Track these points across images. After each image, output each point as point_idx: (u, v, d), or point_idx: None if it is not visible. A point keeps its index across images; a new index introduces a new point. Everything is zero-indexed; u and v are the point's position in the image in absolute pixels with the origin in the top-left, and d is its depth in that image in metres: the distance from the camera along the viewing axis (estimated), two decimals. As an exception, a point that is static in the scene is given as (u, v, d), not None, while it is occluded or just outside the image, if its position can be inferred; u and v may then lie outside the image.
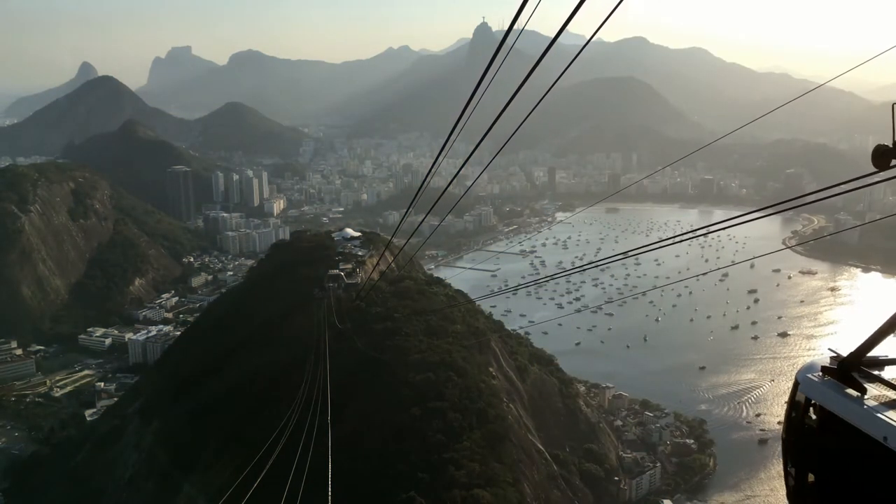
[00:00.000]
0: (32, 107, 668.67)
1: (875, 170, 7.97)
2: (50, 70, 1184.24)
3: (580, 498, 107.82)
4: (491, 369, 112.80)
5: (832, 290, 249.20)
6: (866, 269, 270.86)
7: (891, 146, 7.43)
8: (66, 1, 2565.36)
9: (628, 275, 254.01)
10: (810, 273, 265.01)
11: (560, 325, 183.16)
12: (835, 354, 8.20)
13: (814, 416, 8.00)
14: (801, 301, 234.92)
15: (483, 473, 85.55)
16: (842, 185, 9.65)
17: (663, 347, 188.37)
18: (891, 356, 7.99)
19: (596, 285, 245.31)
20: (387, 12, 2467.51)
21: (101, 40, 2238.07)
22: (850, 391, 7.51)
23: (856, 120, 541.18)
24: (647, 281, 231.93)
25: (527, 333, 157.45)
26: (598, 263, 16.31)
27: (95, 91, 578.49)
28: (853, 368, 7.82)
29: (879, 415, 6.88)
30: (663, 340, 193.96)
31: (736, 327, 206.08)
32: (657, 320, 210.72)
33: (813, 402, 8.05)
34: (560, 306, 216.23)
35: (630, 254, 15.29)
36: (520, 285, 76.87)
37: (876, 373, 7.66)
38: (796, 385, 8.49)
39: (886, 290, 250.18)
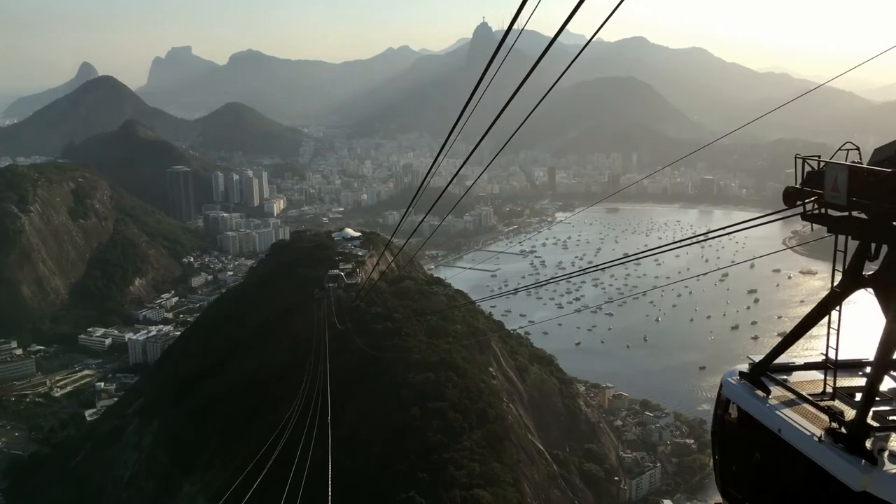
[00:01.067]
0: (32, 107, 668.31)
1: None
2: (50, 70, 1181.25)
3: (580, 498, 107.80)
4: (491, 369, 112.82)
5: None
6: (867, 269, 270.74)
7: (798, 187, 8.64)
8: (66, 1, 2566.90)
9: (628, 275, 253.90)
10: (810, 273, 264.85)
11: (560, 325, 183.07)
12: (751, 361, 9.45)
13: (733, 414, 9.33)
14: (802, 301, 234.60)
15: (483, 473, 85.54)
16: None
17: (663, 347, 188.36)
18: (796, 362, 9.37)
19: (596, 285, 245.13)
20: (387, 12, 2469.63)
21: (101, 40, 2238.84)
22: (758, 392, 8.83)
23: (856, 120, 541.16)
24: (647, 281, 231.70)
25: (527, 333, 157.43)
26: (617, 263, 16.82)
27: (95, 91, 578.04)
28: (762, 373, 9.11)
29: (777, 412, 8.27)
30: (663, 340, 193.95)
31: (736, 327, 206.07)
32: (657, 320, 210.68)
33: (731, 401, 9.38)
34: (560, 306, 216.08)
35: (647, 254, 15.78)
36: (531, 285, 76.76)
37: (780, 377, 9.02)
38: (721, 387, 9.75)
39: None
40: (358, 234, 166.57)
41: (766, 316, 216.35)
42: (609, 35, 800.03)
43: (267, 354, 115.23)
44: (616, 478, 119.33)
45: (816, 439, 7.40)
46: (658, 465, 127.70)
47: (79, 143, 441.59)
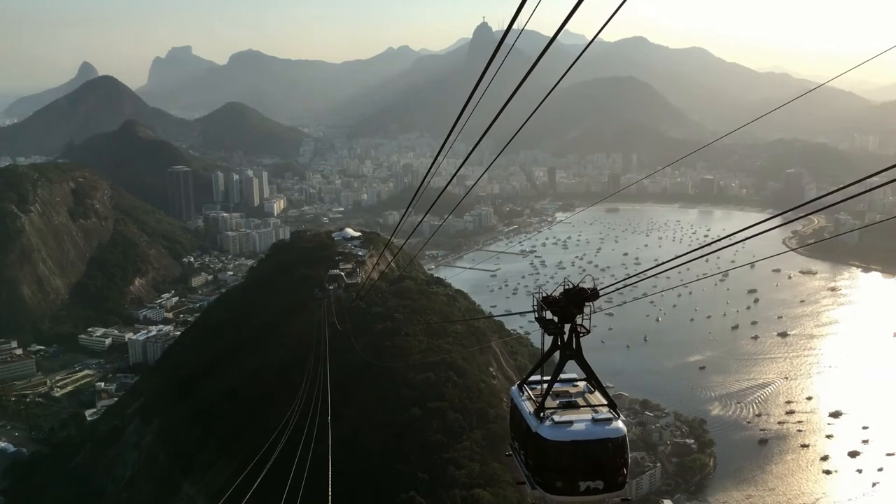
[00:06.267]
0: (32, 107, 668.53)
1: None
2: (50, 70, 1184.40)
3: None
4: (491, 369, 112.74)
5: (832, 290, 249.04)
6: (866, 269, 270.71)
7: (540, 304, 15.07)
8: (66, 1, 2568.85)
9: (628, 275, 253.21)
10: (810, 273, 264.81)
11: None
12: (523, 377, 16.24)
13: (513, 405, 15.82)
14: (802, 301, 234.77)
15: (483, 473, 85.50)
16: (875, 178, 12.12)
17: (663, 347, 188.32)
18: (540, 380, 15.61)
19: (596, 285, 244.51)
20: (387, 12, 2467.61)
21: (101, 40, 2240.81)
22: (520, 394, 15.59)
23: (856, 120, 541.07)
24: (647, 281, 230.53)
25: (527, 333, 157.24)
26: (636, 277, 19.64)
27: (95, 91, 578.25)
28: (523, 384, 15.83)
29: (522, 402, 15.23)
30: (663, 340, 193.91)
31: (736, 327, 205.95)
32: (657, 320, 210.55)
33: (512, 399, 15.93)
34: (622, 282, 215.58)
35: (658, 269, 19.88)
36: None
37: (531, 387, 15.62)
38: (511, 391, 16.29)
39: (886, 290, 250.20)
40: (358, 234, 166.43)
41: (766, 316, 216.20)
42: (609, 35, 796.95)
43: (267, 354, 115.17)
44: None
45: (530, 413, 14.57)
46: (658, 465, 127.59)
47: (79, 143, 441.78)
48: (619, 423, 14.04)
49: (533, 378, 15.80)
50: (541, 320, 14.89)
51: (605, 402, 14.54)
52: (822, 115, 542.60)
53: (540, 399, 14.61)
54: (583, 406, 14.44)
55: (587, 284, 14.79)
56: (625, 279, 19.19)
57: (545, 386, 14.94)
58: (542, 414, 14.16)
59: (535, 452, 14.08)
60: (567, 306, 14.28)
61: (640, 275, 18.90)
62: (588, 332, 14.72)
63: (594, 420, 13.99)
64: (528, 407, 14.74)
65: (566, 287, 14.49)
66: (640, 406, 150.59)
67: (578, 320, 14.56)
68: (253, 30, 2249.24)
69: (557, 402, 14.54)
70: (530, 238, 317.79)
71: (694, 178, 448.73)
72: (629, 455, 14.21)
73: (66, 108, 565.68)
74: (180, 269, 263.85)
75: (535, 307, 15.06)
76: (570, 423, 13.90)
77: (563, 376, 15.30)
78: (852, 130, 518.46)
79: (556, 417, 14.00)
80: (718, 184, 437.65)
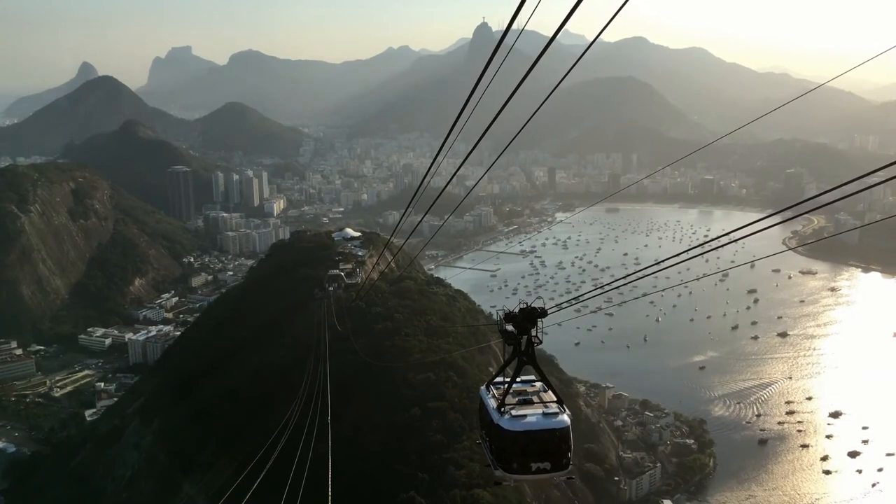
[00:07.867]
0: (32, 107, 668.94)
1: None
2: (50, 70, 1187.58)
3: (580, 498, 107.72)
4: (491, 369, 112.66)
5: (832, 290, 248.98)
6: (866, 269, 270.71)
7: (502, 318, 17.29)
8: (66, 1, 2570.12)
9: (628, 275, 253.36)
10: (810, 273, 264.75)
11: (560, 324, 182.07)
12: (490, 378, 18.60)
13: (481, 402, 17.94)
14: (801, 301, 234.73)
15: (483, 473, 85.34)
16: (875, 175, 12.40)
17: (663, 347, 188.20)
18: (503, 381, 17.78)
19: (595, 285, 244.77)
20: (387, 12, 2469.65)
21: (101, 40, 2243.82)
22: (487, 392, 17.76)
23: (856, 120, 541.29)
24: (647, 281, 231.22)
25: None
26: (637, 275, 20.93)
27: (95, 91, 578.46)
28: (490, 384, 18.01)
29: (487, 399, 17.45)
30: (663, 340, 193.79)
31: (736, 327, 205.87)
32: (657, 320, 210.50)
33: (480, 396, 18.06)
34: (559, 307, 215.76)
35: (683, 255, 21.42)
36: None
37: (496, 387, 17.74)
38: (480, 389, 18.53)
39: (886, 290, 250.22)
40: (358, 234, 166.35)
41: (766, 316, 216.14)
42: (609, 35, 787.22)
43: (267, 354, 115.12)
44: (616, 478, 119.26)
45: (493, 408, 16.84)
46: (658, 465, 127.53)
47: (79, 143, 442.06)
48: (565, 417, 16.77)
49: (498, 379, 18.30)
50: (503, 332, 17.44)
51: (554, 399, 17.34)
52: (822, 115, 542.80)
53: (501, 397, 17.23)
54: (536, 402, 17.16)
55: (539, 304, 17.30)
56: (571, 300, 23.07)
57: (506, 386, 17.61)
58: (502, 409, 16.76)
59: (496, 440, 16.67)
60: (523, 321, 16.77)
61: (597, 290, 23.29)
62: (540, 342, 17.30)
63: (544, 414, 16.71)
64: (492, 403, 17.31)
65: (522, 307, 17.10)
66: (640, 406, 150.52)
67: (533, 332, 16.97)
68: (253, 30, 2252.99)
69: (516, 399, 17.23)
70: (530, 238, 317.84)
71: (694, 178, 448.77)
72: (572, 442, 16.97)
73: (66, 108, 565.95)
74: (180, 269, 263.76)
75: (498, 322, 17.63)
76: (525, 416, 16.61)
77: (523, 378, 17.70)
78: (852, 130, 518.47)
79: (514, 412, 16.71)
80: (718, 184, 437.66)
